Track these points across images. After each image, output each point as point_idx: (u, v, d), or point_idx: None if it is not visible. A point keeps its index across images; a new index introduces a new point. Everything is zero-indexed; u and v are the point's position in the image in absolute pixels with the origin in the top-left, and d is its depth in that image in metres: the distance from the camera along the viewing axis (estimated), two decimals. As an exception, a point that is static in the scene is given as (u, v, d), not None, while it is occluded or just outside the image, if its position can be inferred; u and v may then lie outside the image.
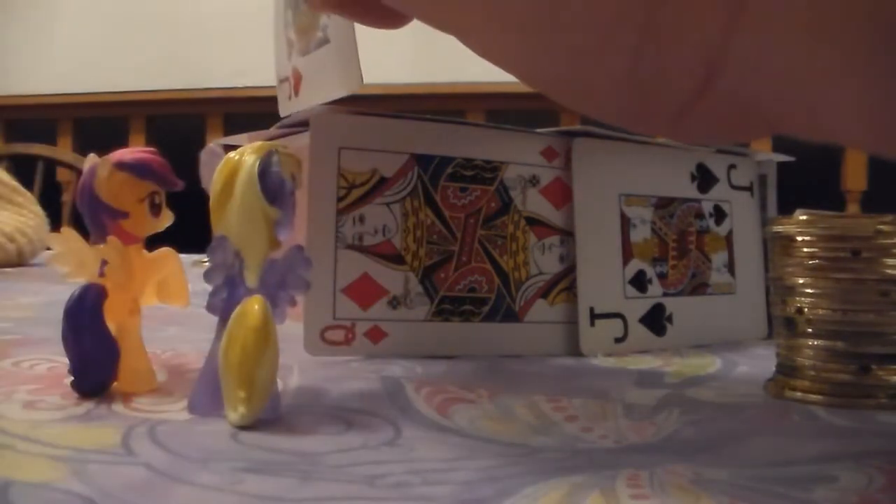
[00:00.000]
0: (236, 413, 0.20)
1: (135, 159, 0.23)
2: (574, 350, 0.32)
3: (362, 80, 0.28)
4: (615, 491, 0.16)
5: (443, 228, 0.31)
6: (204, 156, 0.20)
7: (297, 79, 0.34)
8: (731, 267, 0.37)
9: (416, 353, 0.30)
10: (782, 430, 0.22)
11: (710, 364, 0.31)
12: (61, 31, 1.82)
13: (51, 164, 1.46)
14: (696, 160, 0.36)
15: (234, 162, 0.21)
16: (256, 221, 0.21)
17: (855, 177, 1.28)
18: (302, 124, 0.31)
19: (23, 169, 0.75)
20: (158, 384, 0.24)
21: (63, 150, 1.55)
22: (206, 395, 0.21)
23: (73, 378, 0.23)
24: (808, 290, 0.26)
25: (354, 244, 0.30)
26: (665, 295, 0.35)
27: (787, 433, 0.21)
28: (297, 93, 0.34)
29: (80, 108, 1.76)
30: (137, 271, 0.24)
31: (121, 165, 0.23)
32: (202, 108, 1.68)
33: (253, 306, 0.20)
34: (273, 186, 0.21)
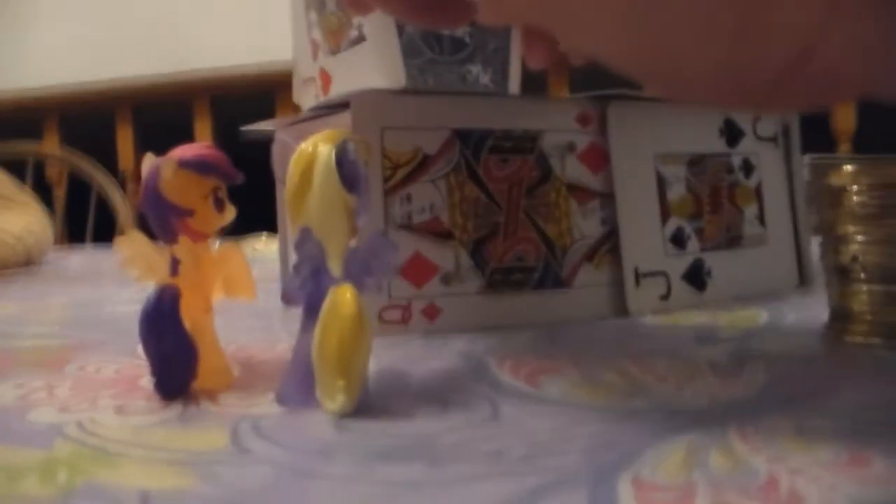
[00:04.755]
0: (335, 402, 0.20)
1: (196, 156, 0.23)
2: (621, 311, 0.33)
3: (405, 75, 0.28)
4: (731, 447, 0.17)
5: (488, 201, 0.31)
6: (276, 147, 0.20)
7: (326, 78, 0.34)
8: (761, 218, 0.37)
9: (470, 326, 0.31)
10: (859, 375, 0.23)
11: (758, 316, 0.32)
12: (42, 24, 1.78)
13: (39, 163, 1.42)
14: (722, 116, 0.36)
15: (309, 153, 0.21)
16: (337, 210, 0.21)
17: (845, 119, 1.29)
18: (335, 106, 0.31)
19: (11, 169, 0.74)
20: (234, 379, 0.24)
21: (50, 146, 1.52)
22: (296, 386, 0.22)
23: (155, 381, 0.23)
24: (860, 238, 0.26)
25: (404, 224, 0.30)
26: (703, 250, 0.35)
27: (864, 377, 0.22)
28: (325, 92, 0.34)
29: (65, 102, 1.72)
30: (208, 268, 0.24)
31: (183, 163, 0.23)
32: (188, 94, 1.64)
33: (345, 295, 0.20)
34: (350, 174, 0.21)
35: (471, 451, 0.17)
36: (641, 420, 0.19)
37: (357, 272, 0.21)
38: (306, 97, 0.38)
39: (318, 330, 0.20)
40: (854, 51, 0.16)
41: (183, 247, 0.23)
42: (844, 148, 1.25)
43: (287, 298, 0.23)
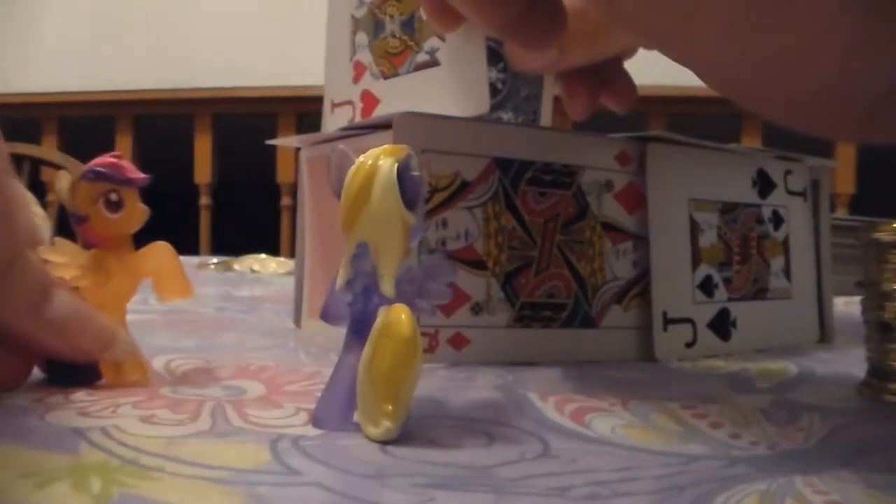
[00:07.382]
0: (379, 428, 0.19)
1: (88, 167, 0.24)
2: (647, 355, 0.32)
3: (489, 102, 0.28)
4: (806, 498, 0.16)
5: (523, 234, 0.31)
6: (334, 158, 0.19)
7: (371, 101, 0.33)
8: (787, 272, 0.37)
9: (497, 360, 0.30)
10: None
11: (787, 368, 0.31)
12: (48, 29, 1.78)
13: (35, 164, 1.40)
14: (756, 166, 0.36)
15: (368, 165, 0.20)
16: (394, 227, 0.20)
17: (843, 181, 1.32)
18: (371, 127, 0.31)
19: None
20: (262, 395, 0.23)
21: (48, 150, 1.50)
22: (335, 408, 0.21)
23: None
24: (906, 295, 0.26)
25: (438, 249, 0.29)
26: (730, 300, 0.35)
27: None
28: (366, 115, 0.34)
29: (65, 108, 1.72)
30: (116, 270, 0.24)
31: (81, 174, 0.24)
32: (190, 108, 1.64)
33: (399, 316, 0.19)
34: (411, 190, 0.20)
35: (534, 485, 0.16)
36: (702, 465, 0.18)
37: (410, 294, 0.20)
38: (336, 121, 0.37)
39: (367, 350, 0.19)
40: None
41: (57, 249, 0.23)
42: (841, 212, 1.27)
43: (329, 316, 0.22)
